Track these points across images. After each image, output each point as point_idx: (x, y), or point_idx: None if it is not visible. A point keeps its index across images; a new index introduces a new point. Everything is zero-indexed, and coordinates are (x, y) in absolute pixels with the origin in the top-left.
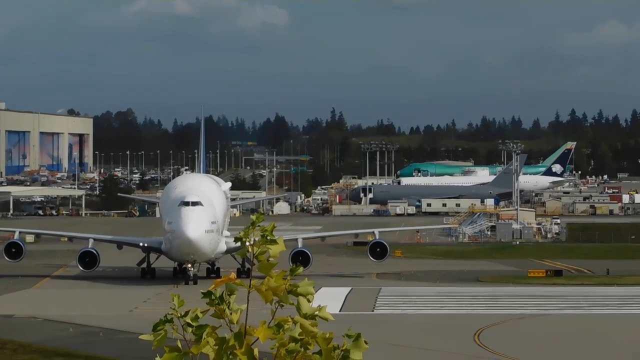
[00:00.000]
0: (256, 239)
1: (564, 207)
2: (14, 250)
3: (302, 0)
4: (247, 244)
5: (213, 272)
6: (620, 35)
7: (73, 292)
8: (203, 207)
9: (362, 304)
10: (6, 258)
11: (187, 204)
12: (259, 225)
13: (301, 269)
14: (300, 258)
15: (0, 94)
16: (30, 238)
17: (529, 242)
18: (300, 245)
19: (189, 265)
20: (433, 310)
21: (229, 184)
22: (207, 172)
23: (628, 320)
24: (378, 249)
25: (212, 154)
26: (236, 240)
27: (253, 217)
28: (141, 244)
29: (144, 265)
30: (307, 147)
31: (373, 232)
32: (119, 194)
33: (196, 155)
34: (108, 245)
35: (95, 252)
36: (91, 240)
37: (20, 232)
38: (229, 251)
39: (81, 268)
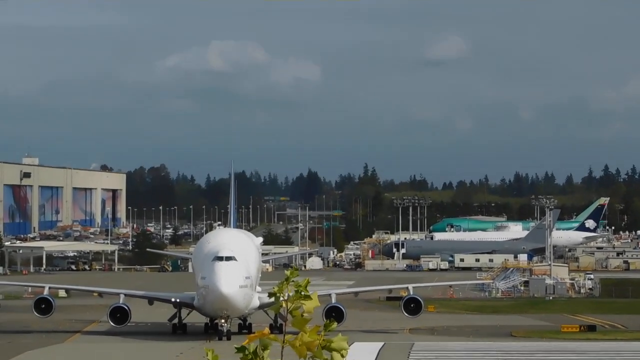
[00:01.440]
0: (290, 294)
1: (597, 263)
2: (43, 305)
3: (335, 55)
4: (281, 299)
5: (245, 327)
6: None
7: (104, 346)
8: (237, 262)
9: (395, 358)
10: (36, 314)
11: (221, 258)
12: (293, 281)
13: (335, 325)
14: (333, 314)
15: (33, 150)
16: (62, 292)
17: (562, 297)
18: (333, 300)
19: (223, 321)
20: None
21: (261, 239)
22: (237, 226)
23: None
24: (412, 305)
25: (244, 209)
26: (270, 295)
27: (287, 272)
28: (173, 300)
29: (175, 320)
30: (340, 202)
31: (407, 288)
32: (147, 249)
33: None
34: (139, 299)
35: (126, 307)
36: (122, 296)
37: (49, 288)
38: (262, 306)
39: (112, 324)
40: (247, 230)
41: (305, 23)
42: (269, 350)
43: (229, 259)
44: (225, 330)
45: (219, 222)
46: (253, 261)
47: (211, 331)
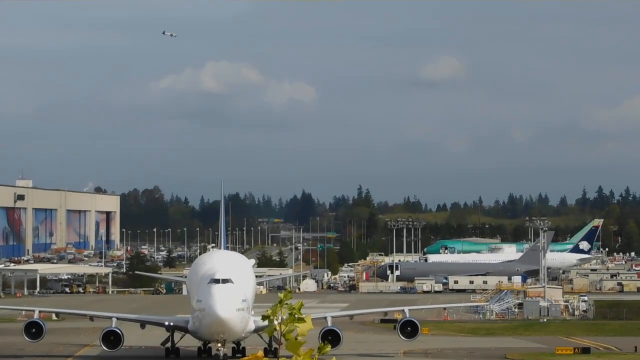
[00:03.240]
0: (284, 317)
1: (592, 284)
2: (33, 330)
3: (329, 76)
4: (275, 322)
5: (239, 351)
6: None
7: None
8: (233, 285)
9: None
10: (26, 338)
11: (217, 281)
12: (286, 303)
13: (329, 348)
14: (330, 337)
15: (27, 172)
16: (54, 315)
17: (557, 319)
18: (329, 323)
19: (219, 345)
20: None
21: (253, 261)
22: (229, 249)
23: None
24: (409, 328)
25: (238, 231)
26: (264, 318)
27: (281, 294)
28: (166, 323)
29: (168, 344)
30: (334, 224)
31: (403, 310)
32: (136, 272)
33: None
34: (133, 323)
35: (119, 331)
36: (114, 319)
37: (39, 311)
38: (257, 330)
39: (105, 348)
40: (240, 252)
41: (300, 44)
42: None
43: (225, 281)
44: (221, 355)
45: (213, 244)
46: (249, 283)
47: (204, 355)
